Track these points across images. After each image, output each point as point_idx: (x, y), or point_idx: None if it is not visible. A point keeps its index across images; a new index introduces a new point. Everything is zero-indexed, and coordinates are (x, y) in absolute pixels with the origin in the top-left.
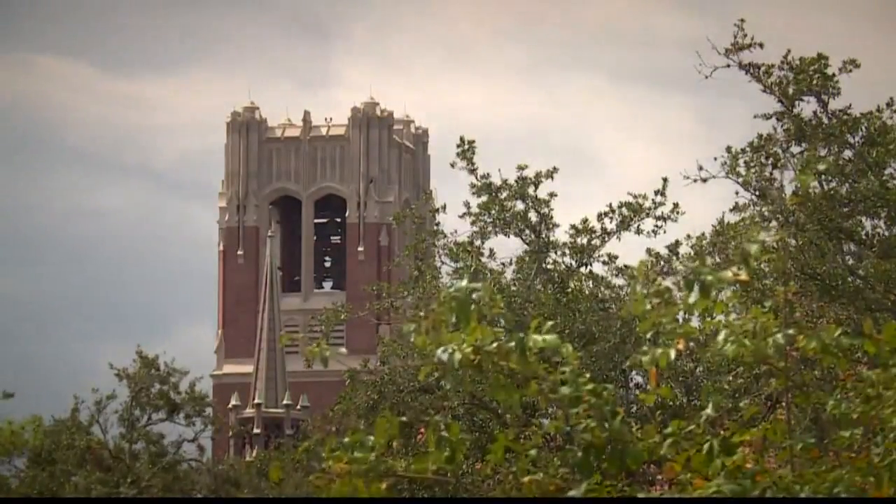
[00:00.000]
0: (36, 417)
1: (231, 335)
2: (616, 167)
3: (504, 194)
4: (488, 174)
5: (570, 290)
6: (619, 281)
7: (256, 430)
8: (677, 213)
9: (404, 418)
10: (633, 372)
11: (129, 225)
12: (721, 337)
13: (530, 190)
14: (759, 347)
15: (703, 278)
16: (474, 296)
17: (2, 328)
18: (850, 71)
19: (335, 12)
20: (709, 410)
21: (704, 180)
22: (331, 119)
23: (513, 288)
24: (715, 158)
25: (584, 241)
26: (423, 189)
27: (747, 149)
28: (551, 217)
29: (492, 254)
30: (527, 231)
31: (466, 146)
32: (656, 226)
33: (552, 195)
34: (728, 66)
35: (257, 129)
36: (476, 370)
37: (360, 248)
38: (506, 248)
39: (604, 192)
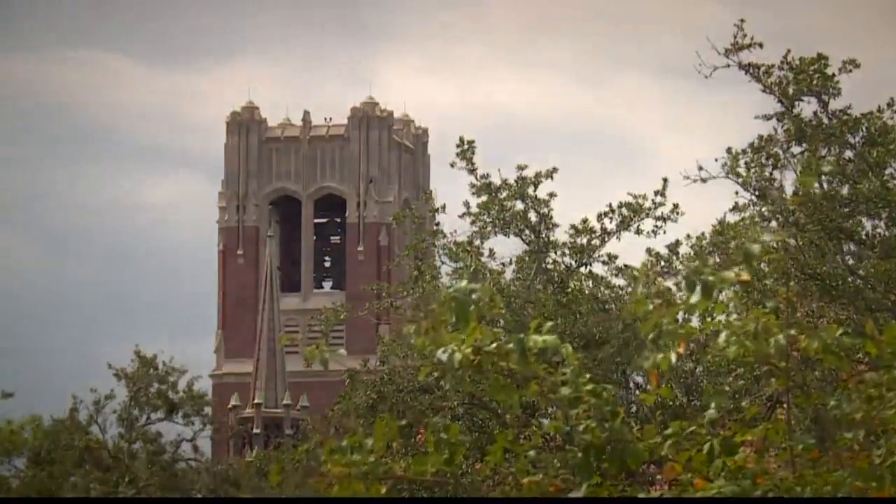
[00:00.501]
0: (35, 417)
1: (231, 335)
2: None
3: (504, 194)
4: (488, 174)
5: (570, 290)
6: (619, 281)
7: (256, 430)
8: (677, 213)
9: (404, 420)
10: (633, 372)
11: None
12: (722, 337)
13: (530, 190)
14: (761, 348)
15: (704, 279)
16: (474, 296)
17: (1, 327)
18: (850, 71)
19: (380, 8)
20: (711, 412)
21: (704, 180)
22: (330, 119)
23: (512, 288)
24: (716, 159)
25: (584, 241)
26: (423, 189)
27: (748, 149)
28: (551, 217)
29: (492, 254)
30: (526, 231)
31: (466, 146)
32: (656, 226)
33: (552, 195)
34: (728, 66)
35: (257, 129)
36: (476, 371)
37: (360, 248)
38: (506, 248)
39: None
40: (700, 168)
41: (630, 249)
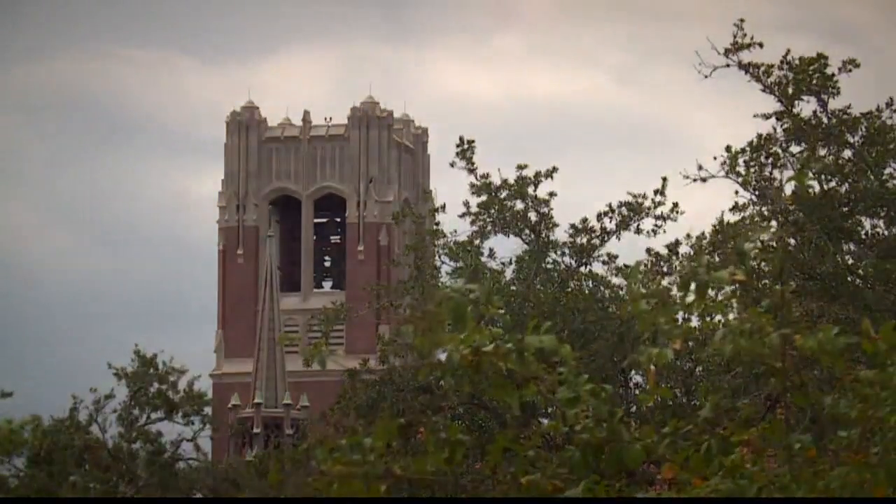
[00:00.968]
0: (35, 417)
1: (231, 335)
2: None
3: (504, 194)
4: (488, 174)
5: (569, 289)
6: (618, 281)
7: (256, 430)
8: (677, 212)
9: (403, 419)
10: (633, 372)
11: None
12: (718, 336)
13: (530, 189)
14: (755, 347)
15: (699, 278)
16: (471, 296)
17: (1, 327)
18: (850, 71)
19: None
20: (706, 411)
21: (704, 180)
22: (330, 119)
23: (512, 288)
24: (714, 158)
25: (584, 240)
26: (423, 189)
27: (747, 148)
28: (551, 217)
29: (492, 254)
30: (526, 231)
31: (466, 146)
32: (656, 225)
33: (552, 195)
34: (727, 65)
35: (256, 128)
36: (475, 371)
37: (360, 248)
38: (506, 247)
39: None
40: (700, 168)
41: (630, 249)
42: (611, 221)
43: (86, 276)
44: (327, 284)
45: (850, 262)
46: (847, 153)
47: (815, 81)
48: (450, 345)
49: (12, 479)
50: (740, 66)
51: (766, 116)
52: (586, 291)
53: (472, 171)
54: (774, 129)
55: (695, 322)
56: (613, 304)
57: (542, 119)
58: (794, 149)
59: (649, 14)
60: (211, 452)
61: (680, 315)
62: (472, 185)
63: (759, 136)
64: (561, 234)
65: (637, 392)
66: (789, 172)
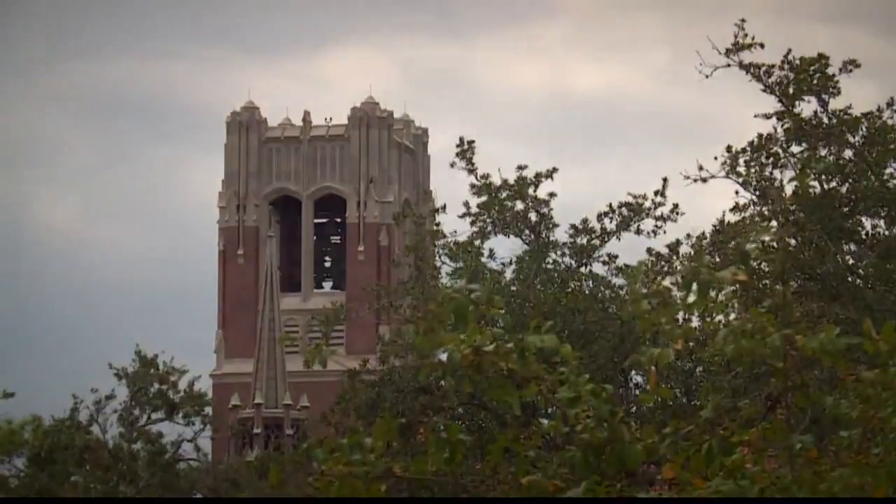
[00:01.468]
0: (35, 417)
1: (231, 335)
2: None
3: (504, 194)
4: (488, 174)
5: (570, 290)
6: (619, 281)
7: (256, 430)
8: (677, 213)
9: (403, 419)
10: (634, 372)
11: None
12: (720, 336)
13: (530, 190)
14: (756, 347)
15: (700, 278)
16: (472, 296)
17: (1, 327)
18: (851, 71)
19: None
20: (706, 412)
21: (704, 180)
22: (330, 119)
23: (513, 288)
24: (715, 158)
25: (584, 241)
26: (424, 189)
27: (747, 148)
28: (551, 217)
29: (492, 254)
30: (526, 231)
31: (466, 146)
32: (656, 226)
33: (552, 195)
34: (728, 65)
35: (257, 128)
36: (475, 371)
37: (360, 248)
38: (506, 248)
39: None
40: (700, 168)
41: (630, 250)
42: (611, 222)
43: (86, 276)
44: (327, 285)
45: (851, 262)
46: (848, 153)
47: (815, 81)
48: (450, 345)
49: (13, 479)
50: (741, 66)
51: (767, 116)
52: (587, 292)
53: (472, 171)
54: (775, 129)
55: (696, 322)
56: (614, 304)
57: (585, 112)
58: (795, 149)
59: (693, 6)
60: (211, 453)
61: (681, 315)
62: (473, 186)
63: (760, 136)
64: (561, 235)
65: (638, 392)
66: (790, 172)
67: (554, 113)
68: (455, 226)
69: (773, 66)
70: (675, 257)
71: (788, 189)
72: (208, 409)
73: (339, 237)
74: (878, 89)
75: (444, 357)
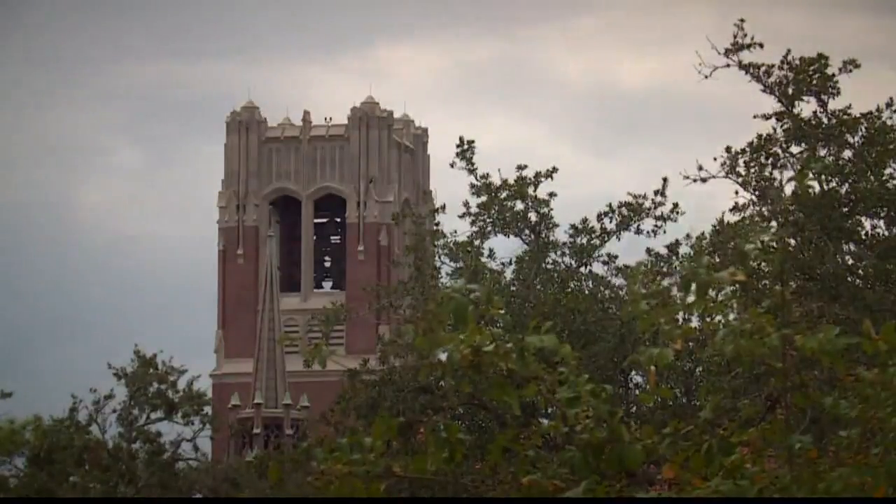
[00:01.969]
0: (35, 417)
1: (231, 335)
2: None
3: (504, 194)
4: (488, 174)
5: (570, 290)
6: (618, 281)
7: (256, 430)
8: (677, 212)
9: (403, 419)
10: (633, 372)
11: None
12: (719, 336)
13: (529, 190)
14: (755, 347)
15: (700, 278)
16: (472, 296)
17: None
18: (851, 71)
19: None
20: (706, 412)
21: (704, 180)
22: (330, 119)
23: (512, 288)
24: (714, 158)
25: (584, 241)
26: (423, 189)
27: (747, 149)
28: (551, 217)
29: (492, 254)
30: (526, 231)
31: (466, 146)
32: (656, 226)
33: (552, 195)
34: (728, 65)
35: (257, 128)
36: (475, 371)
37: (360, 248)
38: (506, 248)
39: None
40: (700, 168)
41: (630, 250)
42: (611, 222)
43: (87, 274)
44: (327, 285)
45: (851, 262)
46: (847, 153)
47: (815, 82)
48: (450, 345)
49: (12, 479)
50: (740, 66)
51: (767, 117)
52: (587, 292)
53: (472, 171)
54: (774, 129)
55: (695, 322)
56: (614, 304)
57: (628, 104)
58: (795, 149)
59: None
60: (211, 452)
61: (680, 315)
62: (472, 186)
63: (760, 136)
64: (561, 235)
65: (637, 392)
66: (789, 173)
67: (597, 106)
68: (455, 226)
69: (772, 66)
70: (674, 258)
71: (788, 189)
72: (208, 409)
73: (338, 237)
74: None
75: (443, 357)
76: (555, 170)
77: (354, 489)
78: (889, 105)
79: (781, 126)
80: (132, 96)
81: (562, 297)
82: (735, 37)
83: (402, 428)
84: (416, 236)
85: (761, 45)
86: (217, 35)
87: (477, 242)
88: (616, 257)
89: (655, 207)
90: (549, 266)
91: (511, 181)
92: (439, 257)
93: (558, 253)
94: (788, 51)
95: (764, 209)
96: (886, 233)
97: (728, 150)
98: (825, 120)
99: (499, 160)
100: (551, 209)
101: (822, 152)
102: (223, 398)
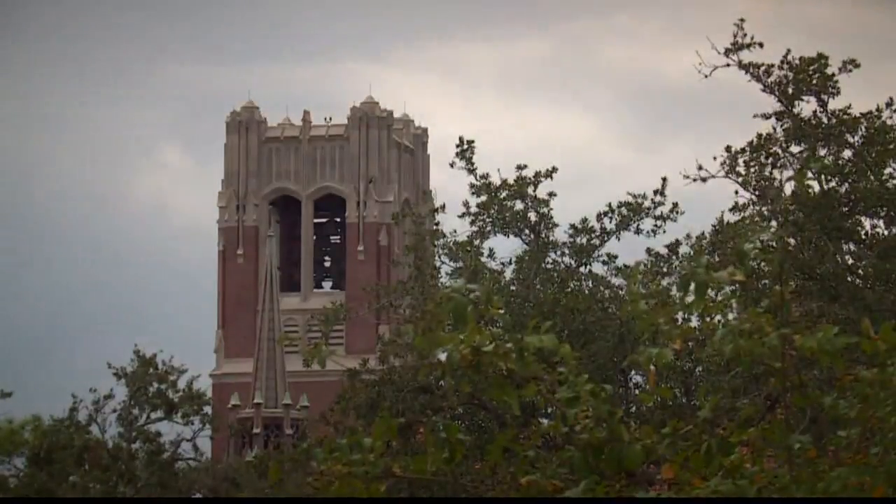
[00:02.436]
0: (35, 417)
1: (231, 335)
2: None
3: (503, 194)
4: (487, 174)
5: (569, 290)
6: (618, 281)
7: (256, 430)
8: (677, 212)
9: (403, 419)
10: (633, 372)
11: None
12: (718, 335)
13: (529, 189)
14: (755, 347)
15: (699, 278)
16: (472, 296)
17: (1, 326)
18: (850, 71)
19: None
20: (705, 412)
21: (704, 180)
22: (330, 119)
23: (512, 288)
24: (714, 158)
25: (584, 241)
26: (423, 189)
27: (747, 148)
28: (550, 217)
29: (491, 254)
30: (526, 231)
31: (465, 146)
32: (655, 225)
33: (551, 195)
34: (728, 65)
35: (256, 128)
36: (474, 371)
37: (360, 248)
38: (506, 248)
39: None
40: (700, 167)
41: (630, 249)
42: (611, 222)
43: (86, 274)
44: (327, 284)
45: (850, 262)
46: (847, 153)
47: (815, 81)
48: (450, 345)
49: (12, 479)
50: (740, 65)
51: (766, 116)
52: (586, 292)
53: (471, 171)
54: (774, 129)
55: (694, 322)
56: (613, 304)
57: (673, 97)
58: (794, 149)
59: None
60: (211, 452)
61: (680, 315)
62: (472, 186)
63: (759, 135)
64: (561, 235)
65: (637, 392)
66: (789, 172)
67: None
68: (455, 225)
69: (772, 65)
70: (674, 257)
71: (788, 189)
72: (207, 409)
73: (338, 237)
74: None
75: (443, 357)
76: (555, 169)
77: (354, 489)
78: (889, 105)
79: (781, 126)
80: (132, 96)
81: (561, 296)
82: (735, 36)
83: (402, 428)
84: (415, 236)
85: (761, 45)
86: (217, 35)
87: (477, 242)
88: (616, 257)
89: (655, 207)
90: (548, 266)
91: (511, 181)
92: (439, 257)
93: (558, 253)
94: (788, 50)
95: (764, 209)
96: (886, 233)
97: (728, 149)
98: (825, 120)
99: (538, 155)
100: (551, 209)
101: (822, 152)
102: (223, 398)
